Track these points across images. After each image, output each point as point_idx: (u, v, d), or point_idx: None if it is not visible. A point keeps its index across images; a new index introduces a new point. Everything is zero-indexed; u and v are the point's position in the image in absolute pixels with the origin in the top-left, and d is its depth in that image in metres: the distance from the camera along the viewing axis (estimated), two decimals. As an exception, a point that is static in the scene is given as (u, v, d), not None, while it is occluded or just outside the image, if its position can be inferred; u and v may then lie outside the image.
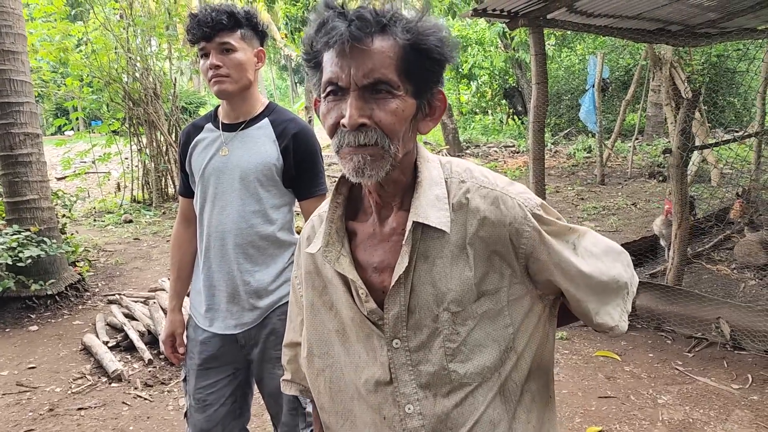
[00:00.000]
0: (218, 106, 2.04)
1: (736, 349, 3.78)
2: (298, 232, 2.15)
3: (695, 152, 8.77)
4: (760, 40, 7.64)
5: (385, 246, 1.05)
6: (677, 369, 3.61)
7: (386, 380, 1.03)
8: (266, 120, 1.97)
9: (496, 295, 1.02)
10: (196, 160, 1.99)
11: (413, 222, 0.99)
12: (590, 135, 13.63)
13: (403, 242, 1.00)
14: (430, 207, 1.00)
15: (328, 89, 0.96)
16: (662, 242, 5.27)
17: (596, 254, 1.10)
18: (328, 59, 0.95)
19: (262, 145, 1.94)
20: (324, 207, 1.15)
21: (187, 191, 2.09)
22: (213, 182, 1.95)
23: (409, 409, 1.02)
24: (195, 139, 2.01)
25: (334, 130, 0.97)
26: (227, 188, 1.94)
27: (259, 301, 1.97)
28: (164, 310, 4.53)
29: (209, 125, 2.01)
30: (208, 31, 1.83)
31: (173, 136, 9.99)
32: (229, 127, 1.97)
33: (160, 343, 2.21)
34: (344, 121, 0.94)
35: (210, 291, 1.99)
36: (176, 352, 2.11)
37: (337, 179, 1.08)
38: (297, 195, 2.03)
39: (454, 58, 0.97)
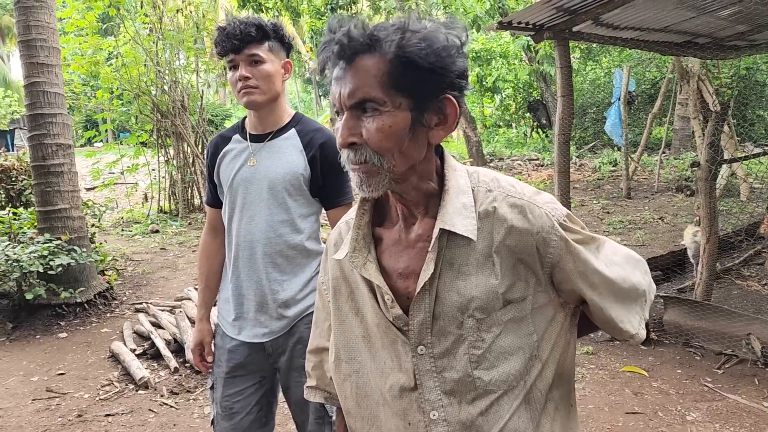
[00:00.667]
0: (245, 117, 2.07)
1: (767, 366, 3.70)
2: (325, 241, 2.18)
3: (724, 166, 8.66)
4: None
5: (411, 252, 1.06)
6: (706, 386, 3.54)
7: (411, 386, 1.03)
8: (293, 130, 2.00)
9: (521, 303, 1.02)
10: (224, 171, 2.02)
11: (440, 229, 1.00)
12: (616, 148, 13.50)
13: (429, 249, 1.01)
14: (457, 215, 1.01)
15: (334, 110, 1.01)
16: (689, 253, 5.17)
17: (617, 262, 1.11)
18: (331, 81, 1.00)
19: (289, 155, 1.97)
20: (351, 214, 1.16)
21: (215, 201, 2.12)
22: (241, 192, 1.98)
23: (433, 415, 1.02)
24: (223, 150, 2.04)
25: (341, 147, 1.02)
26: (255, 198, 1.96)
27: (287, 310, 1.98)
28: (190, 319, 4.58)
29: (237, 136, 2.04)
30: (237, 43, 1.86)
31: (200, 147, 10.14)
32: (256, 138, 2.00)
33: (187, 352, 2.23)
34: (337, 140, 0.99)
35: (238, 300, 2.01)
36: (204, 361, 2.13)
37: None
38: (324, 204, 2.05)
39: (453, 64, 0.96)
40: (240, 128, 2.06)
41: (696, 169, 4.30)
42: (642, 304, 1.14)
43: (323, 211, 2.07)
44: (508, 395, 1.02)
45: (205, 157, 2.14)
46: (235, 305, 2.02)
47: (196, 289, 5.43)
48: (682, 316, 4.17)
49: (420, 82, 0.96)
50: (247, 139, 2.01)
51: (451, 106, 1.00)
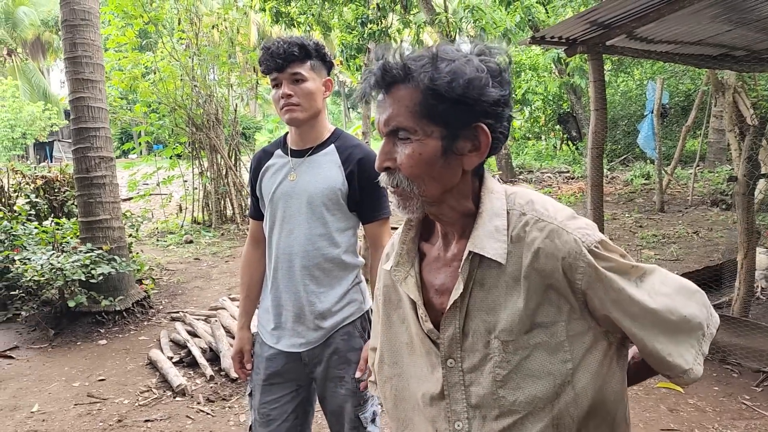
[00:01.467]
0: (287, 133, 2.14)
1: (809, 385, 3.63)
2: (363, 256, 2.23)
3: (761, 180, 8.50)
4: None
5: (447, 270, 1.11)
6: (744, 403, 3.49)
7: (440, 396, 1.09)
8: (332, 146, 2.06)
9: (551, 328, 1.03)
10: (266, 185, 2.09)
11: (470, 251, 1.05)
12: (648, 161, 13.34)
13: (459, 270, 1.06)
14: (488, 238, 1.05)
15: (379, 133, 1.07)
16: (763, 281, 5.05)
17: (665, 292, 1.08)
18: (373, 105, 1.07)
19: (328, 170, 2.02)
20: (403, 227, 1.23)
21: (257, 214, 2.19)
22: (282, 206, 2.04)
23: (458, 426, 1.07)
24: (266, 165, 2.11)
25: (378, 171, 1.08)
26: (295, 212, 2.03)
27: (324, 321, 2.04)
28: (225, 329, 4.68)
29: (279, 151, 2.11)
30: (280, 62, 1.93)
31: (233, 159, 10.34)
32: (297, 153, 2.07)
33: (223, 361, 2.29)
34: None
35: (277, 310, 2.07)
36: (244, 368, 2.20)
37: None
38: (361, 218, 2.10)
39: (483, 95, 0.99)
40: (282, 143, 2.13)
41: (733, 183, 4.26)
42: (699, 337, 1.10)
43: (360, 225, 2.13)
44: (532, 416, 1.03)
45: (249, 171, 2.21)
46: (274, 315, 2.08)
47: (231, 299, 5.53)
48: (718, 333, 4.10)
49: (450, 112, 1.00)
50: (288, 155, 2.08)
51: (483, 134, 1.03)
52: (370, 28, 13.84)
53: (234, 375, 4.06)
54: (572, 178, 13.72)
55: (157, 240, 9.55)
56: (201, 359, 4.37)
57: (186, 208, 10.77)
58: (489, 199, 1.09)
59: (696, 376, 1.09)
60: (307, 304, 2.03)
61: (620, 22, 4.35)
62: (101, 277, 5.07)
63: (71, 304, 5.04)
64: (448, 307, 1.06)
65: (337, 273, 2.06)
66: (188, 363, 4.45)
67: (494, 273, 1.05)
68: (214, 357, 4.44)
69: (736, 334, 4.01)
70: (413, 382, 1.14)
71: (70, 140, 6.00)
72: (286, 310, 2.06)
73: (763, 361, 3.87)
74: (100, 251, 5.28)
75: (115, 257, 5.35)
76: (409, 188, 1.03)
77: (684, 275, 5.67)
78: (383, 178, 1.06)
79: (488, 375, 1.04)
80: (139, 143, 12.18)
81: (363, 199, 2.05)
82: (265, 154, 2.15)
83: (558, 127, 18.60)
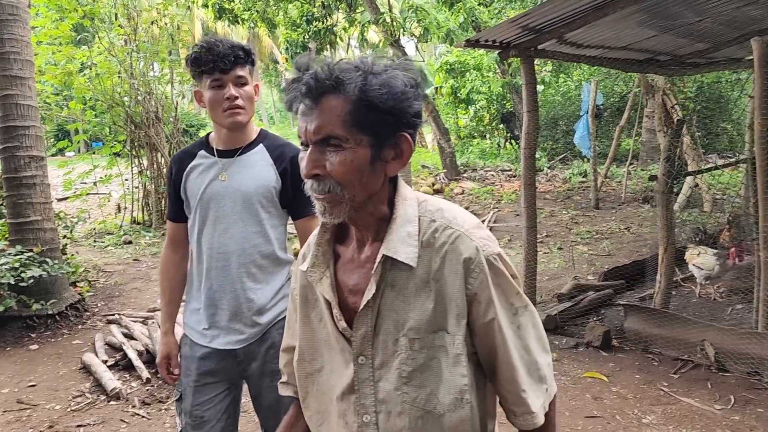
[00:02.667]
0: (209, 134, 2.16)
1: (720, 371, 3.87)
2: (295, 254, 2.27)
3: (689, 178, 8.94)
4: (750, 70, 7.85)
5: (361, 271, 1.17)
6: (663, 390, 3.70)
7: (350, 390, 1.15)
8: (261, 146, 2.10)
9: (453, 336, 1.10)
10: (192, 185, 2.09)
11: (383, 255, 1.10)
12: (585, 160, 13.80)
13: (372, 272, 1.11)
14: (401, 242, 1.11)
15: (301, 140, 1.10)
16: (703, 280, 5.26)
17: (535, 336, 1.16)
18: (298, 116, 1.08)
19: (261, 169, 2.07)
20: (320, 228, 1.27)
21: (178, 216, 2.18)
22: (213, 206, 2.05)
23: (366, 419, 1.14)
24: (189, 166, 2.10)
25: (305, 178, 1.11)
26: (228, 211, 2.05)
27: (261, 317, 2.08)
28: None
29: (202, 152, 2.11)
30: (227, 64, 1.95)
31: (174, 158, 10.13)
32: (225, 154, 2.08)
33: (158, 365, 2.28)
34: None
35: (210, 310, 2.08)
36: (171, 373, 2.20)
37: None
38: (293, 214, 2.15)
39: (410, 107, 1.06)
40: (205, 144, 2.13)
41: (654, 182, 4.49)
42: (545, 392, 1.16)
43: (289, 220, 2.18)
44: (432, 421, 1.11)
45: (168, 173, 2.19)
46: (207, 315, 2.09)
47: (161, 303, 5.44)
48: (641, 324, 4.34)
49: (379, 122, 1.05)
50: (213, 155, 2.09)
51: (407, 143, 1.10)
52: (316, 26, 13.82)
53: (171, 377, 4.02)
54: (514, 176, 14.05)
55: (95, 241, 9.29)
56: (137, 362, 4.31)
57: (125, 207, 10.50)
58: (403, 206, 1.15)
59: (537, 424, 1.15)
60: (244, 301, 2.05)
61: (550, 27, 4.52)
62: (32, 281, 4.92)
63: (0, 308, 4.87)
64: (361, 307, 1.11)
65: (272, 269, 2.11)
66: (124, 366, 4.38)
67: (405, 275, 1.11)
68: (151, 359, 4.38)
69: (657, 324, 4.23)
70: (331, 377, 1.20)
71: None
72: (221, 310, 2.07)
73: (681, 349, 4.10)
74: (30, 253, 5.12)
75: (47, 259, 5.20)
76: (341, 193, 1.07)
77: (614, 270, 5.92)
78: (310, 185, 1.09)
79: (395, 371, 1.11)
80: (77, 141, 11.80)
81: (295, 196, 2.10)
82: (187, 155, 2.14)
83: (501, 126, 19.00)
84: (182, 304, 2.23)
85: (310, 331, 1.24)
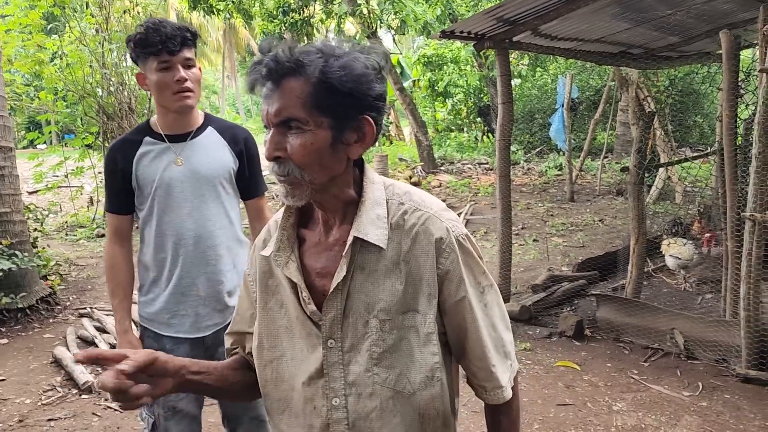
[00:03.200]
0: (148, 120, 2.09)
1: (690, 359, 3.95)
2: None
3: (661, 170, 9.08)
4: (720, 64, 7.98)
5: (329, 254, 1.16)
6: (633, 378, 3.77)
7: (319, 374, 1.14)
8: (210, 128, 2.09)
9: (423, 316, 1.12)
10: (144, 173, 2.01)
11: (353, 237, 1.10)
12: (561, 153, 13.94)
13: (343, 254, 1.11)
14: (371, 225, 1.11)
15: (263, 124, 1.10)
16: (679, 270, 5.35)
17: (498, 313, 1.20)
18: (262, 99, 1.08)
19: (216, 151, 2.07)
20: (279, 213, 1.24)
21: (123, 208, 2.09)
22: (174, 191, 2.01)
23: (335, 402, 1.13)
24: (137, 153, 2.02)
25: (267, 160, 1.10)
26: (189, 195, 2.02)
27: (231, 299, 2.08)
28: (136, 323, 4.57)
29: (148, 138, 2.04)
30: (175, 45, 1.91)
31: (148, 150, 9.98)
32: (175, 138, 2.04)
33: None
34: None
35: (177, 298, 2.05)
36: None
37: None
38: (246, 194, 2.17)
39: (370, 89, 1.06)
40: (148, 130, 2.06)
41: (626, 174, 4.56)
42: (510, 367, 1.20)
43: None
44: (402, 400, 1.12)
45: (110, 164, 2.07)
46: (174, 303, 2.05)
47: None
48: (613, 313, 4.41)
49: (340, 104, 1.05)
50: (163, 141, 2.03)
51: (369, 126, 1.09)
52: (292, 17, 13.72)
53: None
54: (491, 169, 14.13)
55: (66, 234, 9.13)
56: (109, 355, 4.25)
57: (98, 200, 10.33)
58: (371, 189, 1.16)
59: (506, 398, 1.18)
60: (217, 283, 2.05)
61: (524, 19, 4.55)
62: (1, 274, 4.82)
63: (-33, 302, 4.77)
64: (331, 289, 1.11)
65: (236, 250, 2.12)
66: (96, 359, 4.32)
67: (374, 258, 1.12)
68: (123, 352, 4.33)
69: (628, 314, 4.31)
70: (292, 363, 1.18)
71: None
72: (189, 297, 2.05)
73: (652, 338, 4.18)
74: (-1, 246, 5.02)
75: (17, 252, 5.09)
76: (300, 176, 1.06)
77: (588, 261, 6.00)
78: (272, 168, 1.09)
79: (365, 353, 1.11)
80: (49, 132, 11.56)
81: (250, 175, 2.14)
82: (131, 143, 2.05)
83: (479, 119, 19.09)
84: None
85: (270, 318, 1.22)
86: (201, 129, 2.08)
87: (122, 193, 2.06)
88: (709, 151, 7.10)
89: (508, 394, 1.19)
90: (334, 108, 1.05)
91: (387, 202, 1.15)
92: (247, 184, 2.15)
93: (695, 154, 8.12)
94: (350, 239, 1.10)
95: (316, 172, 1.08)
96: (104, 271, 2.12)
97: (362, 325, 1.12)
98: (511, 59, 5.62)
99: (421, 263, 1.11)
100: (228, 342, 1.36)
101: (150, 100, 10.32)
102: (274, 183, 13.06)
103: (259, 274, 1.24)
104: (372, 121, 1.10)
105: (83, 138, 9.90)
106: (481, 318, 1.15)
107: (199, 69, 2.05)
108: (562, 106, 10.63)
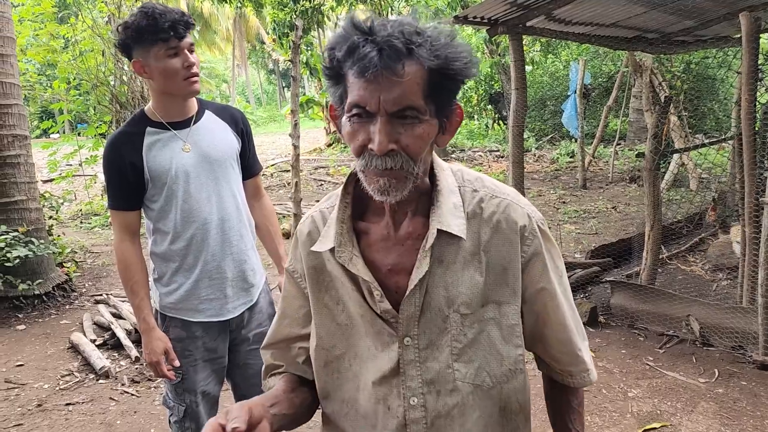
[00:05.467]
0: (143, 110, 2.03)
1: (705, 346, 3.93)
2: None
3: (675, 157, 9.00)
4: (737, 48, 7.86)
5: (400, 249, 1.08)
6: (648, 364, 3.75)
7: (393, 373, 1.07)
8: (207, 112, 2.09)
9: (504, 308, 1.07)
10: (156, 162, 1.97)
11: (437, 230, 1.04)
12: (573, 140, 13.83)
13: (426, 247, 1.04)
14: (450, 215, 1.05)
15: (354, 111, 0.97)
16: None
17: (571, 295, 1.17)
18: (356, 81, 0.95)
19: (221, 133, 2.07)
20: (324, 203, 1.18)
21: (132, 203, 2.02)
22: (191, 178, 1.99)
23: (413, 401, 1.07)
24: (144, 144, 1.97)
25: (361, 151, 0.99)
26: (205, 180, 2.01)
27: (255, 278, 2.13)
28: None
29: (149, 128, 1.98)
30: (182, 30, 1.88)
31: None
32: (178, 125, 2.01)
33: (148, 365, 2.10)
34: (372, 146, 0.96)
35: (205, 282, 2.04)
36: (171, 369, 2.03)
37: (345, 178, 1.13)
38: (246, 174, 2.19)
39: (471, 74, 0.99)
40: (146, 120, 2.00)
41: (641, 159, 4.51)
42: (588, 347, 1.18)
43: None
44: (483, 394, 1.07)
45: (116, 159, 1.97)
46: (203, 288, 2.04)
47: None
48: (627, 300, 4.38)
49: (446, 90, 0.98)
50: (166, 128, 1.99)
51: (460, 113, 1.04)
52: (303, 5, 13.66)
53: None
54: (502, 157, 14.06)
55: (81, 222, 9.22)
56: (126, 341, 4.30)
57: (111, 189, 10.39)
58: (443, 176, 1.09)
59: (594, 379, 1.17)
60: (241, 263, 2.08)
61: (538, 3, 4.49)
62: (18, 261, 4.87)
63: (-15, 289, 4.83)
64: (412, 286, 1.04)
65: (251, 229, 2.17)
66: (112, 345, 4.37)
67: (453, 249, 1.06)
68: (139, 338, 4.35)
69: (643, 300, 4.28)
70: (356, 362, 1.12)
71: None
72: (216, 280, 2.04)
73: (667, 325, 4.16)
74: (15, 233, 5.06)
75: (33, 240, 5.15)
76: (411, 169, 0.98)
77: (601, 248, 5.97)
78: (377, 162, 0.97)
79: (446, 348, 1.06)
80: (62, 121, 11.63)
81: (250, 154, 2.18)
82: (133, 135, 1.98)
83: (489, 106, 18.96)
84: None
85: (326, 317, 1.14)
86: (200, 113, 2.07)
87: (130, 188, 1.99)
88: (725, 136, 7.02)
89: (594, 375, 1.17)
90: (440, 94, 0.98)
91: (459, 189, 1.10)
92: (249, 163, 2.18)
93: (712, 140, 8.03)
94: (433, 232, 1.03)
95: (421, 164, 1.01)
96: (118, 271, 2.05)
97: (441, 320, 1.06)
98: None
99: (504, 253, 1.07)
100: (267, 356, 1.26)
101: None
102: (286, 171, 12.96)
103: (308, 270, 1.16)
104: (461, 108, 1.05)
105: (97, 127, 9.95)
106: (564, 303, 1.12)
107: None
108: (575, 92, 10.53)
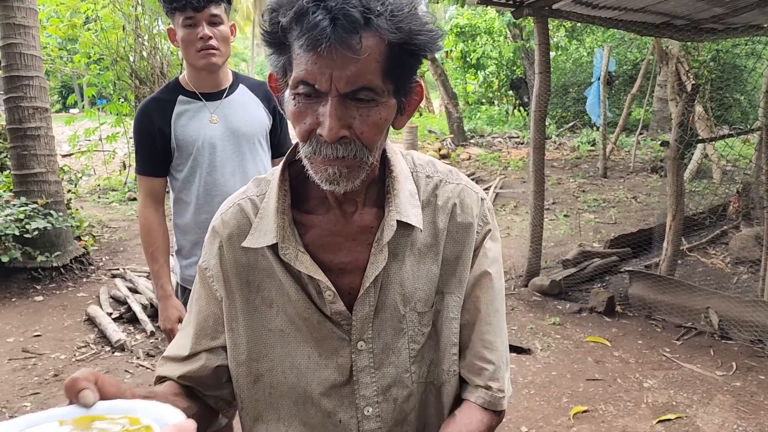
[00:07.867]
0: (177, 78, 2.04)
1: (723, 339, 3.87)
2: None
3: (698, 147, 8.83)
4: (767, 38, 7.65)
5: (353, 245, 0.97)
6: (665, 355, 3.70)
7: (344, 383, 0.98)
8: (242, 86, 2.07)
9: (447, 298, 0.99)
10: (184, 132, 1.98)
11: (397, 221, 0.93)
12: (594, 128, 13.64)
13: (384, 242, 0.93)
14: (408, 204, 0.95)
15: (300, 88, 0.83)
16: None
17: (503, 308, 1.05)
18: (304, 54, 0.80)
19: (252, 108, 2.05)
20: (253, 190, 1.03)
21: (159, 170, 2.03)
22: (217, 149, 1.99)
23: (368, 411, 0.98)
24: (174, 112, 1.98)
25: (307, 136, 0.85)
26: (231, 153, 2.01)
27: None
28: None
29: (182, 97, 2.00)
30: (201, 1, 1.85)
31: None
32: (209, 96, 2.01)
33: (162, 331, 2.12)
34: (322, 132, 0.82)
35: None
36: None
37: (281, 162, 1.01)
38: (275, 152, 2.15)
39: (437, 47, 0.85)
40: (180, 88, 2.02)
41: (666, 147, 4.42)
42: (507, 365, 1.04)
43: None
44: (435, 390, 1.02)
45: (145, 125, 1.99)
46: None
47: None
48: (645, 290, 4.32)
49: (406, 65, 0.85)
50: (197, 99, 2.00)
51: (419, 91, 0.91)
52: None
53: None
54: (522, 143, 13.92)
55: (99, 197, 9.29)
56: (141, 315, 4.33)
57: (130, 165, 10.46)
58: (397, 161, 0.98)
59: (505, 406, 1.01)
60: None
61: (565, -15, 4.39)
62: (36, 232, 4.92)
63: (5, 259, 4.88)
64: (367, 284, 0.94)
65: None
66: (128, 319, 4.41)
67: (407, 241, 0.96)
68: (155, 313, 4.40)
69: (662, 291, 4.22)
70: (292, 374, 0.99)
71: (1, 90, 5.72)
72: None
73: (685, 316, 4.10)
74: (35, 205, 5.11)
75: (52, 212, 5.19)
76: (366, 157, 0.86)
77: (620, 237, 5.89)
78: (325, 150, 0.84)
79: (403, 351, 0.98)
80: (89, 95, 11.69)
81: (281, 133, 2.14)
82: (164, 102, 2.00)
83: (510, 92, 18.76)
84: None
85: (256, 321, 0.99)
86: (233, 87, 2.06)
87: (158, 155, 2.01)
88: (752, 127, 6.86)
89: (506, 404, 1.01)
90: (400, 72, 0.84)
91: (413, 175, 1.00)
92: (279, 141, 2.15)
93: (738, 131, 7.85)
94: (392, 224, 0.92)
95: (377, 151, 0.89)
96: (140, 237, 2.07)
97: (398, 321, 0.97)
98: (549, 28, 5.44)
99: (459, 240, 0.99)
100: (164, 368, 1.04)
101: (181, 65, 10.36)
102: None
103: (234, 269, 1.00)
104: (422, 85, 0.92)
105: (120, 104, 9.99)
106: (499, 300, 1.02)
107: (232, 27, 2.00)
108: (599, 79, 10.36)
